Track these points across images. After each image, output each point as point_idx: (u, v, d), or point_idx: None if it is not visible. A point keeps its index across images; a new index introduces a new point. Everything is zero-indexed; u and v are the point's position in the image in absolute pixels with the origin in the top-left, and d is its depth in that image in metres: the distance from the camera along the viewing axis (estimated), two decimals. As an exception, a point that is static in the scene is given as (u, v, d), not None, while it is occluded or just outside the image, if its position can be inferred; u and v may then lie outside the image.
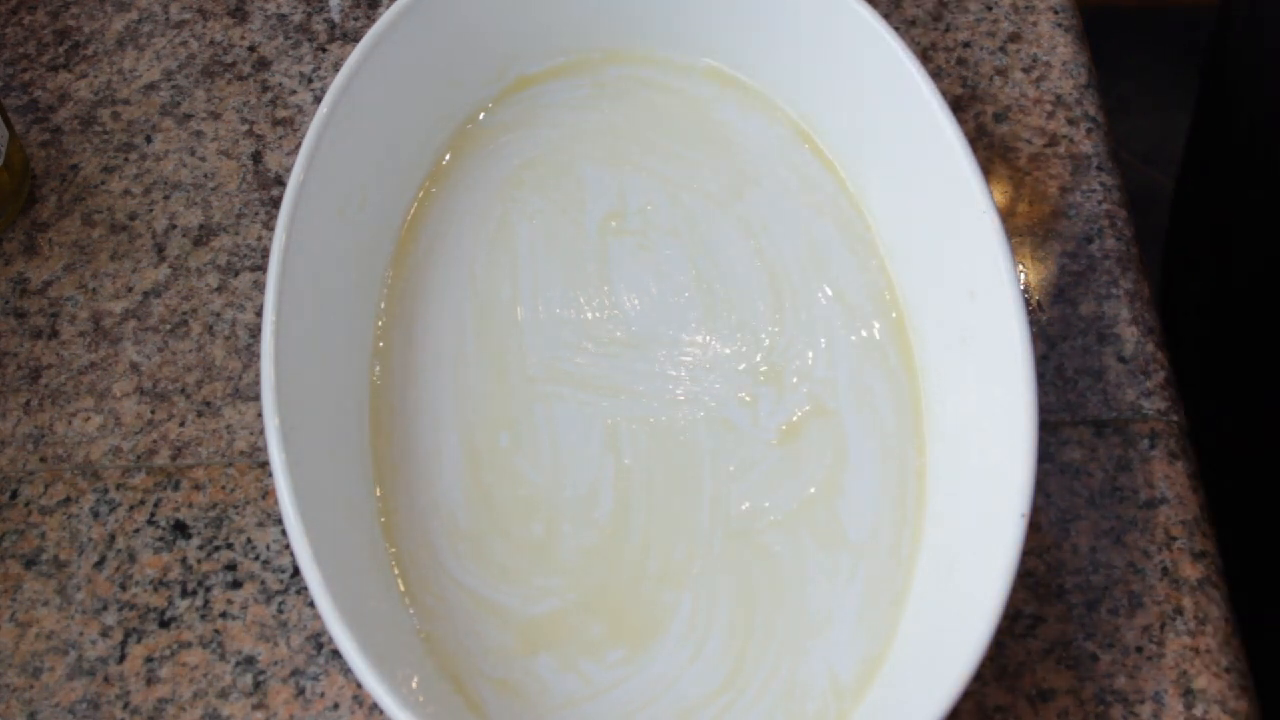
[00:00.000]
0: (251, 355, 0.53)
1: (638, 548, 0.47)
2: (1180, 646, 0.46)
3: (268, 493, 0.50)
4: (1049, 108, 0.58)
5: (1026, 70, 0.59)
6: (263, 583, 0.49)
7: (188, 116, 0.59)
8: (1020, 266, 0.54)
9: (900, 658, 0.44)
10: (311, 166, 0.49)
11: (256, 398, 0.52)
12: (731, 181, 0.55)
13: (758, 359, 0.51)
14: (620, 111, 0.56)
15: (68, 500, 0.51)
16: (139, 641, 0.48)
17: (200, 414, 0.52)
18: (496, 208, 0.54)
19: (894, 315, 0.51)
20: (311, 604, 0.48)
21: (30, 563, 0.49)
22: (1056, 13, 0.61)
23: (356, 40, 0.59)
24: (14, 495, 0.51)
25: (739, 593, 0.46)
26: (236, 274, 0.55)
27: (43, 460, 0.51)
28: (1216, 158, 0.73)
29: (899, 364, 0.50)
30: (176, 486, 0.51)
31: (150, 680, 0.47)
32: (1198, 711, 0.45)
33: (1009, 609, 0.44)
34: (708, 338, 0.51)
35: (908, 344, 0.51)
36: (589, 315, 0.52)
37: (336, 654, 0.47)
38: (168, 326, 0.54)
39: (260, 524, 0.50)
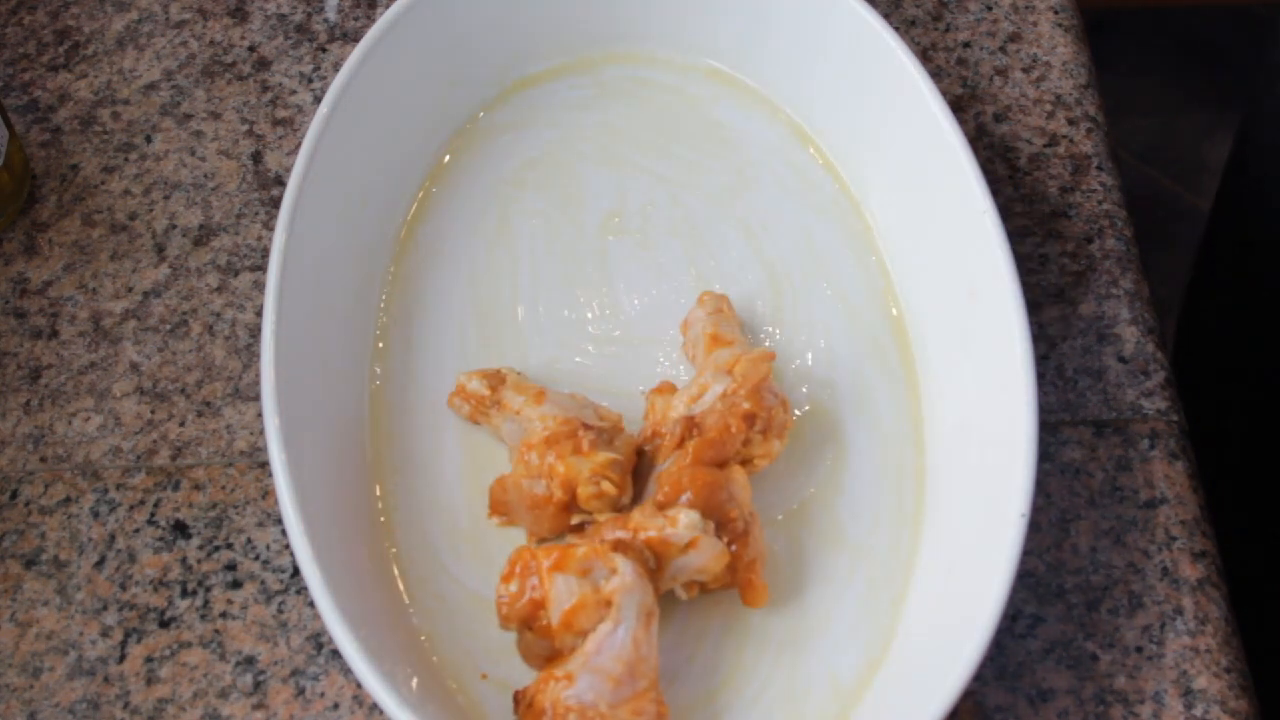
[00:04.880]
0: (251, 355, 0.53)
1: (638, 548, 0.47)
2: (1180, 646, 0.46)
3: (268, 493, 0.50)
4: (1049, 108, 0.58)
5: (1026, 70, 0.59)
6: (263, 583, 0.49)
7: (188, 116, 0.59)
8: (1020, 267, 0.54)
9: (900, 658, 0.44)
10: (311, 166, 0.49)
11: (256, 398, 0.52)
12: (731, 181, 0.55)
13: (758, 359, 0.51)
14: (620, 111, 0.56)
15: (68, 500, 0.51)
16: (139, 641, 0.48)
17: (200, 414, 0.52)
18: (496, 208, 0.54)
19: (894, 315, 0.51)
20: (311, 604, 0.48)
21: (30, 563, 0.49)
22: (1056, 13, 0.61)
23: (356, 40, 0.59)
24: (14, 495, 0.51)
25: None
26: (236, 274, 0.55)
27: (43, 460, 0.51)
28: (1253, 174, 0.72)
29: (899, 364, 0.50)
30: (176, 486, 0.51)
31: (150, 680, 0.47)
32: (1198, 711, 0.45)
33: (1009, 609, 0.44)
34: (708, 338, 0.51)
35: (908, 344, 0.51)
36: (589, 315, 0.52)
37: (336, 654, 0.47)
38: (168, 326, 0.54)
39: (260, 524, 0.50)
